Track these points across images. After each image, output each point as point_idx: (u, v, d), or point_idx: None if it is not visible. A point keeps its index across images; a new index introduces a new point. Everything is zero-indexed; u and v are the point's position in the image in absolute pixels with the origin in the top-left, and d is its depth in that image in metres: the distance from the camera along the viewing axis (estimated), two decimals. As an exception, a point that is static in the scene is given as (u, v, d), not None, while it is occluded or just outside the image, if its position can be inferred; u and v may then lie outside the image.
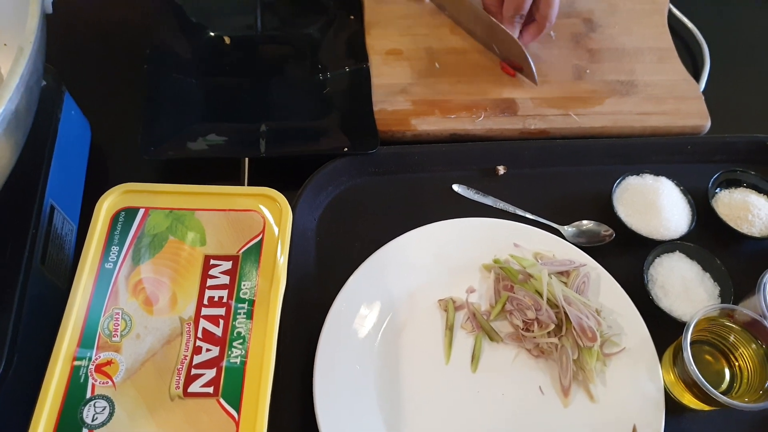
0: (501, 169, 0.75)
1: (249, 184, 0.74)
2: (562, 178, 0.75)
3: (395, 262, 0.66)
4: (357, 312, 0.63)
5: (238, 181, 0.73)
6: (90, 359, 0.48)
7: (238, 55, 0.81)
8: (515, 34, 0.80)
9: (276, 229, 0.58)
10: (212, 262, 0.56)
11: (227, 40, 0.82)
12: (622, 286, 0.65)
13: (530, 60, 0.78)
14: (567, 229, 0.70)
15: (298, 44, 0.83)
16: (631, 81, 0.81)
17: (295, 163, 0.74)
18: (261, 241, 0.57)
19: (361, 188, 0.74)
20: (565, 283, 0.63)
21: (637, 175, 0.72)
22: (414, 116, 0.77)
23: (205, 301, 0.54)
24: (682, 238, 0.68)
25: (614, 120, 0.78)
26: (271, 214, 0.58)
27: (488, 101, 0.78)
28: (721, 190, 0.73)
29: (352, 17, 0.85)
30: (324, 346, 0.59)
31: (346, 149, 0.72)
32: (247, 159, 0.73)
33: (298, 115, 0.77)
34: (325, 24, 0.84)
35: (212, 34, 0.82)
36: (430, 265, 0.66)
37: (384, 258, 0.66)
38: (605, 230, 0.69)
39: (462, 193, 0.73)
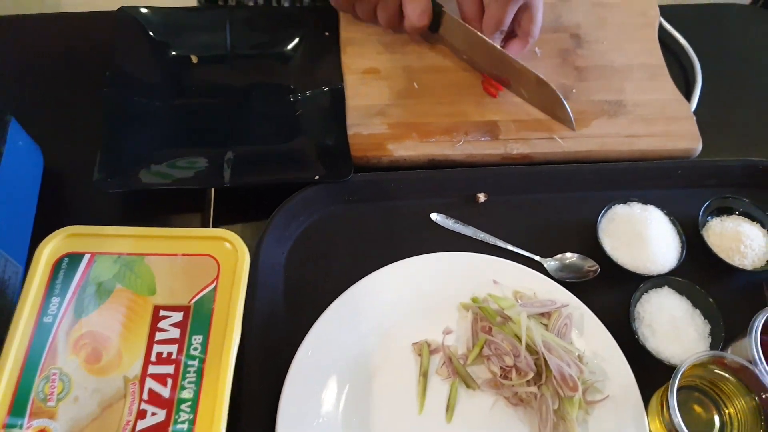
0: (482, 197, 0.71)
1: (215, 215, 0.70)
2: (545, 206, 0.71)
3: (368, 300, 0.62)
4: (325, 356, 0.59)
5: (203, 213, 0.69)
6: (21, 428, 0.45)
7: (206, 75, 0.77)
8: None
9: (231, 276, 0.54)
10: (162, 313, 0.52)
11: (194, 59, 0.78)
12: (607, 325, 0.61)
13: (564, 101, 0.72)
14: (550, 263, 0.67)
15: (270, 63, 0.79)
16: (620, 101, 0.77)
17: (264, 191, 0.70)
18: (215, 289, 0.53)
19: (334, 218, 0.70)
20: (546, 326, 0.59)
21: (624, 203, 0.69)
22: (391, 140, 0.73)
23: (153, 358, 0.50)
24: (671, 272, 0.64)
25: (601, 143, 0.74)
26: (226, 259, 0.55)
27: (469, 124, 0.75)
28: (712, 218, 0.69)
29: (327, 34, 0.81)
30: (288, 393, 0.56)
31: (317, 177, 0.69)
32: (213, 188, 0.70)
33: (268, 140, 0.73)
34: (299, 41, 0.80)
35: (178, 53, 0.78)
36: (405, 304, 0.63)
37: (356, 296, 0.62)
38: (590, 265, 0.66)
39: (440, 223, 0.70)
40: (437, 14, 0.76)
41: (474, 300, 0.62)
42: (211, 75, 0.77)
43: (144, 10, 0.78)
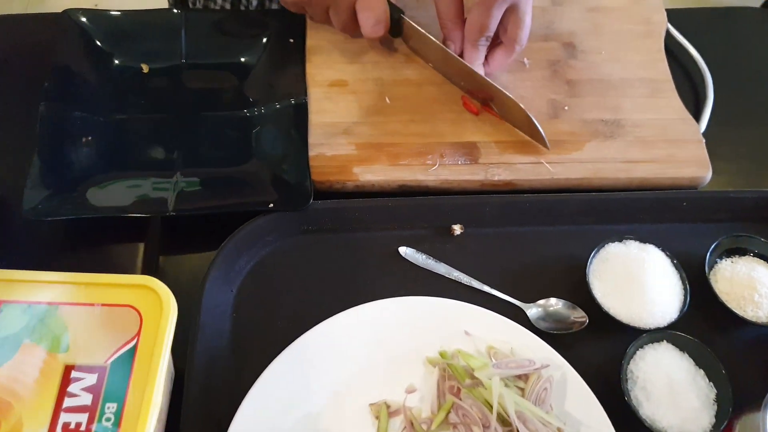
0: (457, 229, 0.63)
1: (161, 245, 0.62)
2: (529, 241, 0.63)
3: (321, 351, 0.55)
4: (268, 419, 0.51)
5: (147, 243, 0.62)
6: None
7: (156, 87, 0.69)
8: (480, 60, 0.68)
9: (154, 333, 0.46)
10: (74, 374, 0.45)
11: (145, 68, 0.70)
12: (595, 385, 0.53)
13: (534, 120, 0.64)
14: (531, 310, 0.58)
15: (228, 74, 0.71)
16: (617, 120, 0.68)
17: (216, 218, 0.62)
18: (135, 347, 0.45)
19: (290, 251, 0.62)
20: (523, 390, 0.51)
21: (620, 241, 0.60)
22: (357, 163, 0.65)
23: (59, 429, 0.43)
24: (672, 325, 0.56)
25: (595, 170, 0.65)
26: (150, 311, 0.47)
27: (445, 145, 0.66)
28: (721, 260, 0.61)
29: (291, 41, 0.72)
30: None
31: (271, 205, 0.61)
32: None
33: (221, 161, 0.65)
34: (261, 50, 0.72)
35: (126, 62, 0.70)
36: (364, 357, 0.55)
37: (308, 346, 0.55)
38: (577, 315, 0.57)
39: (410, 258, 0.61)
40: (396, 21, 0.68)
41: (442, 355, 0.54)
42: (162, 87, 0.69)
43: (88, 14, 0.70)
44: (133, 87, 0.69)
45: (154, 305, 0.47)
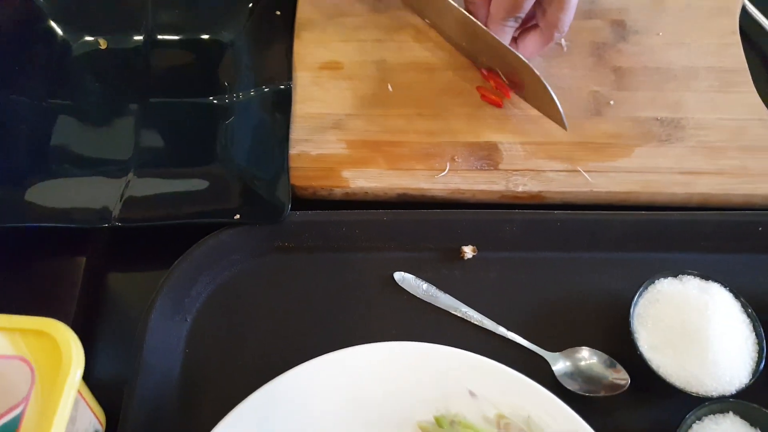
0: (468, 252, 0.50)
1: (109, 259, 0.52)
2: (558, 271, 0.50)
3: (291, 404, 0.43)
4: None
5: (88, 258, 0.51)
6: None
7: (114, 67, 0.58)
8: (505, 42, 0.55)
9: (50, 392, 0.35)
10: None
11: (102, 44, 0.59)
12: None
13: (553, 93, 0.52)
14: (558, 363, 0.46)
15: (200, 52, 0.59)
16: (676, 120, 0.55)
17: (173, 228, 0.51)
18: (20, 415, 0.34)
19: (259, 274, 0.51)
20: (540, 478, 0.39)
21: (674, 277, 0.47)
22: (348, 165, 0.53)
23: None
24: (741, 392, 0.43)
25: (646, 182, 0.52)
26: (45, 363, 0.36)
27: (459, 146, 0.54)
28: (807, 305, 0.47)
29: (278, 13, 0.60)
30: None
31: (238, 216, 0.49)
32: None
33: (180, 159, 0.53)
34: (241, 23, 0.59)
35: (75, 36, 0.58)
36: (343, 416, 0.43)
37: (275, 397, 0.43)
38: (617, 376, 0.45)
39: (407, 287, 0.49)
40: None
41: (438, 421, 0.42)
42: (122, 67, 0.58)
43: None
44: (86, 67, 0.57)
45: (52, 357, 0.35)
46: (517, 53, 0.52)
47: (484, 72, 0.57)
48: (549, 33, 0.54)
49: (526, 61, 0.51)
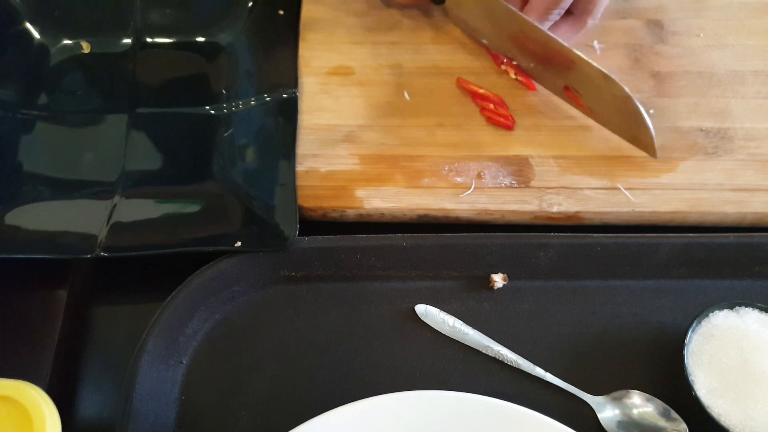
0: (498, 280, 0.45)
1: (94, 293, 0.46)
2: (600, 302, 0.45)
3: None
4: None
5: (70, 289, 0.45)
6: None
7: (99, 74, 0.52)
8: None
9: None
10: None
11: (86, 47, 0.53)
12: None
13: (642, 110, 0.46)
14: (605, 410, 0.40)
15: (194, 56, 0.53)
16: (723, 130, 0.49)
17: (166, 257, 0.45)
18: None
19: (264, 308, 0.45)
20: None
21: (730, 309, 0.42)
22: (362, 183, 0.47)
23: None
24: (814, 443, 0.38)
25: (693, 201, 0.47)
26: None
27: (485, 160, 0.48)
28: None
29: (281, 12, 0.54)
30: None
31: (239, 243, 0.44)
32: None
33: (177, 178, 0.48)
34: (239, 24, 0.54)
35: (52, 38, 0.52)
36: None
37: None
38: (673, 427, 0.39)
39: (430, 323, 0.44)
40: None
41: (473, 482, 0.37)
42: (106, 73, 0.52)
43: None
44: (67, 74, 0.51)
45: (20, 426, 0.30)
46: (591, 62, 0.46)
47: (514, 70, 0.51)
48: (583, 20, 0.50)
49: (610, 74, 0.46)
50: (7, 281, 0.44)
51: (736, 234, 0.46)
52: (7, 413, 0.30)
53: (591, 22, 0.51)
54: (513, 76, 0.51)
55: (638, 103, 0.46)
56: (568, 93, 0.50)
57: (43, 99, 0.50)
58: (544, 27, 0.49)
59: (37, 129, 0.49)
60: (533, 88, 0.51)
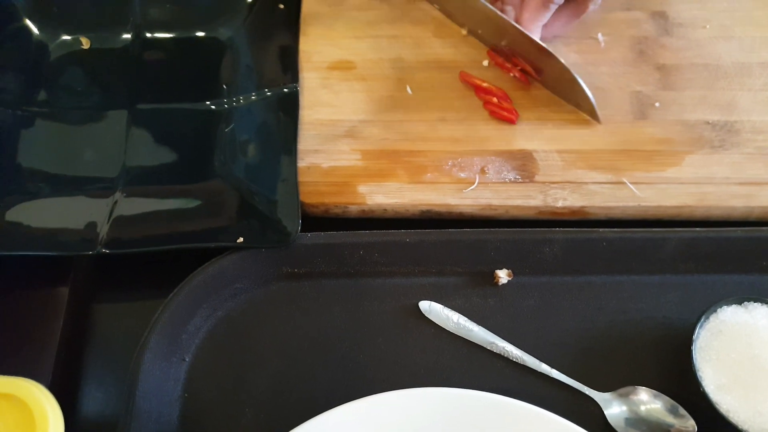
0: (503, 276, 0.45)
1: (95, 291, 0.46)
2: (606, 297, 0.45)
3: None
4: None
5: (71, 286, 0.45)
6: None
7: (99, 70, 0.52)
8: (544, 20, 0.49)
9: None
10: None
11: (85, 43, 0.52)
12: None
13: (580, 81, 0.47)
14: (612, 406, 0.40)
15: (194, 52, 0.52)
16: (729, 123, 0.49)
17: (167, 254, 0.45)
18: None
19: (266, 304, 0.45)
20: None
21: (738, 304, 0.41)
22: (364, 179, 0.47)
23: None
24: (824, 440, 0.37)
25: (700, 195, 0.46)
26: (16, 430, 0.30)
27: (489, 155, 0.48)
28: None
29: (281, 6, 0.54)
30: None
31: (241, 239, 0.43)
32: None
33: (178, 174, 0.47)
34: (240, 18, 0.53)
35: (52, 34, 0.52)
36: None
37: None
38: (681, 423, 0.39)
39: (434, 319, 0.44)
40: None
41: (478, 480, 0.37)
42: (106, 69, 0.52)
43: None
44: (66, 70, 0.51)
45: (23, 424, 0.30)
46: (525, 32, 0.47)
47: (501, 60, 0.51)
48: (584, 3, 0.49)
49: (546, 47, 0.47)
50: (9, 278, 0.44)
51: (744, 228, 0.45)
52: (10, 411, 0.30)
53: (592, 6, 0.50)
54: (511, 75, 0.51)
55: (575, 74, 0.46)
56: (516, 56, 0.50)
57: (42, 95, 0.49)
58: (547, 11, 0.48)
59: (37, 126, 0.48)
60: (527, 83, 0.51)
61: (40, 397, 0.30)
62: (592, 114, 0.48)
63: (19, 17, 0.51)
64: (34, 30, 0.51)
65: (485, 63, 0.51)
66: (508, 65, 0.51)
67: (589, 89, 0.47)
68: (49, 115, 0.49)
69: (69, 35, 0.52)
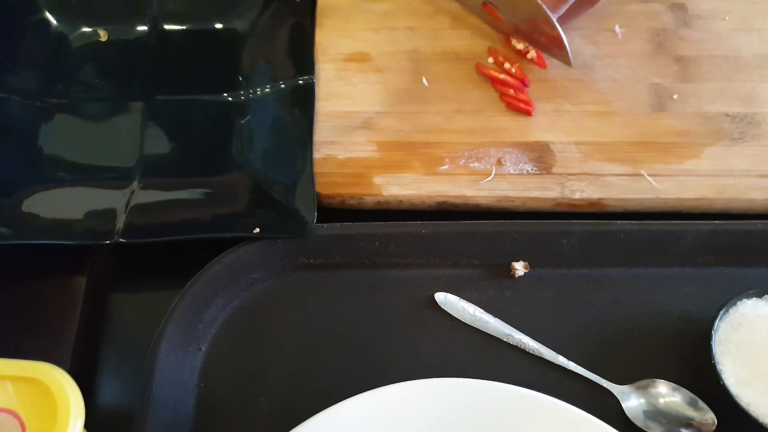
0: (520, 268, 0.44)
1: (113, 281, 0.46)
2: (624, 290, 0.44)
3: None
4: None
5: (88, 275, 0.45)
6: None
7: (116, 62, 0.52)
8: (566, 6, 0.48)
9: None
10: None
11: (103, 36, 0.53)
12: None
13: (554, 20, 0.46)
14: (630, 399, 0.40)
15: (214, 44, 0.52)
16: (750, 115, 0.48)
17: (184, 244, 0.45)
18: (7, 482, 0.29)
19: (282, 295, 0.45)
20: None
21: (759, 297, 0.41)
22: (380, 170, 0.47)
23: None
24: None
25: (719, 187, 0.46)
26: (38, 417, 0.30)
27: (505, 147, 0.47)
28: None
29: (298, 0, 0.54)
30: None
31: (257, 229, 0.43)
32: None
33: (195, 165, 0.47)
34: (256, 10, 0.53)
35: (70, 26, 0.52)
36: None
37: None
38: (701, 417, 0.39)
39: (450, 311, 0.43)
40: None
41: (495, 471, 0.37)
42: (123, 61, 0.52)
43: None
44: (85, 62, 0.51)
45: (45, 407, 0.30)
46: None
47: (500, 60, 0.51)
48: None
49: None
50: (28, 267, 0.45)
51: (764, 221, 0.45)
52: (31, 395, 0.30)
53: None
54: (528, 57, 0.50)
55: (549, 13, 0.46)
56: (487, 8, 0.50)
57: (61, 87, 0.50)
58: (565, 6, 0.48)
59: (56, 117, 0.49)
60: (544, 66, 0.50)
61: (61, 382, 0.30)
62: (564, 59, 0.49)
63: (38, 9, 0.51)
64: (53, 22, 0.51)
65: (490, 60, 0.51)
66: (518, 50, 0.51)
67: (607, 81, 0.47)
68: (67, 106, 0.49)
69: (87, 27, 0.52)
